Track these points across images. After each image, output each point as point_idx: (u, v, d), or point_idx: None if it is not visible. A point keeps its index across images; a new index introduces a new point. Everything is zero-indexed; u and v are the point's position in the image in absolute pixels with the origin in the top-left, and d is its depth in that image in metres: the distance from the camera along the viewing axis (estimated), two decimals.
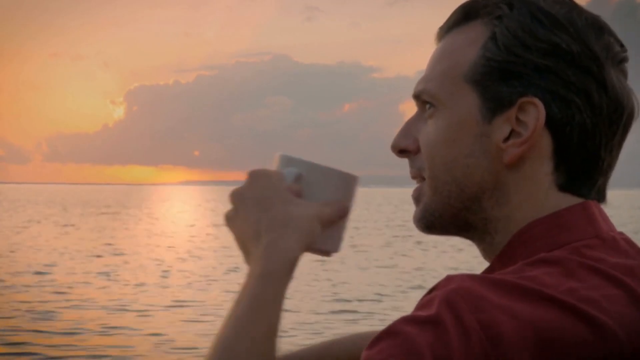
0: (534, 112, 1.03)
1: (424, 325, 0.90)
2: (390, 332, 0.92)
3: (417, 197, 1.13)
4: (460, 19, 1.11)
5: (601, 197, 1.09)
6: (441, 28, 1.14)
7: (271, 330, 1.01)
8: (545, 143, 1.05)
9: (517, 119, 1.04)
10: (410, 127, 1.13)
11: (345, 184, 1.14)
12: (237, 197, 1.11)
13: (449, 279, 0.95)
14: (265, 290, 1.03)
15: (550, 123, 1.04)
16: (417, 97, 1.13)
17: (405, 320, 0.93)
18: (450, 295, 0.92)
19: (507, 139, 1.05)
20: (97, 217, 46.99)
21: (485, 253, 1.12)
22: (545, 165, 1.05)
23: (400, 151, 1.13)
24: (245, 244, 1.10)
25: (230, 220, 1.12)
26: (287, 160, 1.14)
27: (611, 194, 1.11)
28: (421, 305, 0.94)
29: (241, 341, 1.00)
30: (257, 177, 1.11)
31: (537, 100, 1.03)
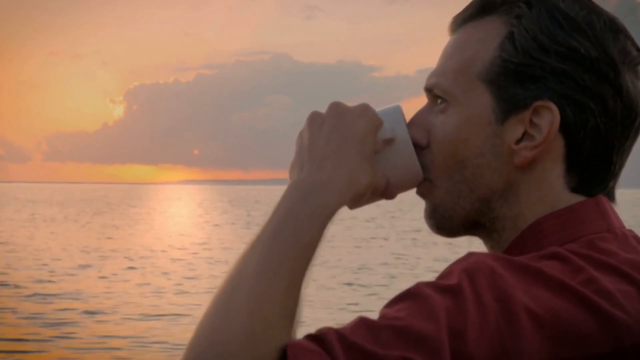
0: (549, 117, 1.03)
1: (444, 293, 0.90)
2: (411, 293, 0.92)
3: (422, 193, 1.12)
4: (477, 12, 1.10)
5: (611, 197, 1.09)
6: (455, 19, 1.13)
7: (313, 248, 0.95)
8: (558, 146, 1.04)
9: (531, 122, 1.04)
10: (421, 120, 1.11)
11: (411, 179, 1.11)
12: (335, 109, 1.05)
13: (470, 254, 0.96)
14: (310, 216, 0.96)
15: (564, 127, 1.03)
16: (429, 90, 1.11)
17: (426, 284, 0.93)
18: (471, 268, 0.92)
19: (519, 140, 1.05)
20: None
21: (493, 250, 1.11)
22: (557, 168, 1.05)
23: None
24: (303, 156, 1.03)
25: (314, 125, 1.05)
26: (397, 120, 1.10)
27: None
28: (442, 275, 0.95)
29: (289, 250, 0.93)
30: (364, 113, 1.05)
31: (552, 105, 1.03)
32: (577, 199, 1.06)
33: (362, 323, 0.89)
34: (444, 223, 1.10)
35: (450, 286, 0.91)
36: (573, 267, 0.96)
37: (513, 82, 1.04)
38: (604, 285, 0.94)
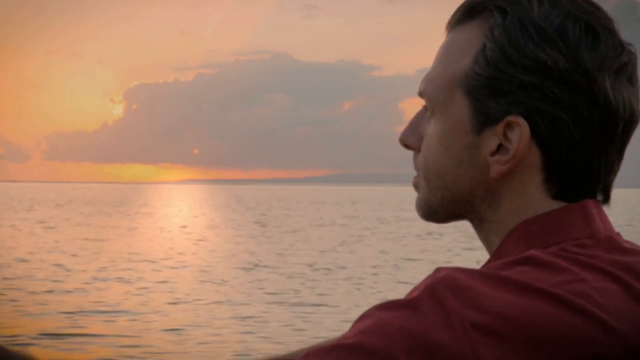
0: (518, 132, 1.02)
1: (399, 309, 0.91)
2: (364, 315, 0.93)
3: (416, 185, 1.14)
4: (463, 16, 1.10)
5: (605, 198, 1.08)
6: (449, 21, 1.13)
7: None
8: (534, 156, 1.04)
9: (505, 135, 1.03)
10: (417, 123, 1.13)
11: None
12: None
13: (438, 270, 0.96)
14: None
15: (538, 139, 1.03)
16: (420, 95, 1.13)
17: (381, 305, 0.93)
18: (435, 283, 0.92)
19: (494, 152, 1.05)
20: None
21: (482, 242, 1.12)
22: (535, 177, 1.05)
23: (406, 145, 1.15)
24: None
25: None
26: None
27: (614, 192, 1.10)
28: (407, 294, 0.95)
29: None
30: None
31: (521, 120, 1.02)
32: (558, 205, 1.05)
33: (312, 353, 0.90)
34: (431, 215, 1.13)
35: (407, 301, 0.91)
36: (550, 270, 0.95)
37: (486, 95, 1.04)
38: (582, 285, 0.94)
